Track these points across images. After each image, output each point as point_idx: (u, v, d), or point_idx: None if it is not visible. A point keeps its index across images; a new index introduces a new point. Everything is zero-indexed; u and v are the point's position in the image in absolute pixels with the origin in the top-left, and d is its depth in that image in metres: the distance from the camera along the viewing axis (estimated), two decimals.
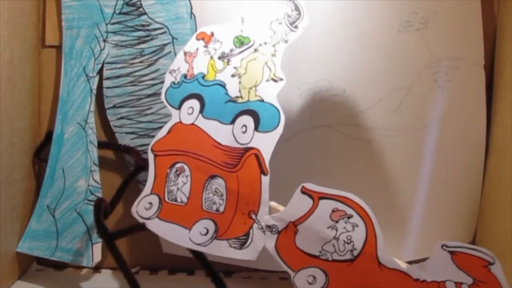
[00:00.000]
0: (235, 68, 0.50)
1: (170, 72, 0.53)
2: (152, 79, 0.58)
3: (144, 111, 0.59)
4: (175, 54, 0.58)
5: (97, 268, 0.61)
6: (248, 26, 0.51)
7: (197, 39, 0.53)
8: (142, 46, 0.58)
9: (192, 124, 0.51)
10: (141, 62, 0.58)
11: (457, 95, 0.58)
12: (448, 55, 0.57)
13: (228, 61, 0.51)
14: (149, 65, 0.58)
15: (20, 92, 0.56)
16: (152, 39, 0.58)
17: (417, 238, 0.58)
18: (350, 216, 0.45)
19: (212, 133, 0.50)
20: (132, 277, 0.51)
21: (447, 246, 0.43)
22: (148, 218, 0.50)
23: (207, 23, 0.58)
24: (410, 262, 0.46)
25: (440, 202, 0.58)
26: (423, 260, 0.45)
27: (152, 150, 0.51)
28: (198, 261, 0.51)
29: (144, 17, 0.58)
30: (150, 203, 0.50)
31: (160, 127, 0.58)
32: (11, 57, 0.54)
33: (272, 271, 0.61)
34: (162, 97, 0.53)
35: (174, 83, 0.52)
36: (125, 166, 0.60)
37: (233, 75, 0.50)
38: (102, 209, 0.54)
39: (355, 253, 0.44)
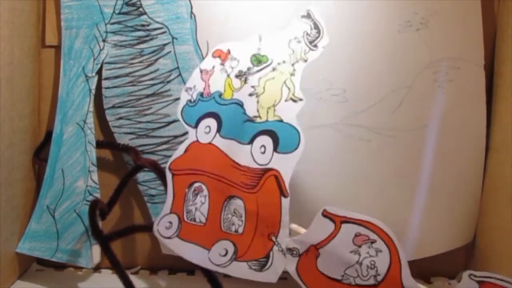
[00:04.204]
0: (253, 87, 0.49)
1: (186, 90, 0.52)
2: (152, 79, 0.58)
3: (143, 111, 0.59)
4: (175, 54, 0.58)
5: (97, 268, 0.61)
6: (265, 44, 0.50)
7: (213, 56, 0.52)
8: (142, 46, 0.58)
9: (210, 143, 0.50)
10: (140, 62, 0.58)
11: (457, 95, 0.58)
12: (448, 55, 0.57)
13: (246, 79, 0.50)
14: (148, 65, 0.58)
15: (20, 92, 0.56)
16: (151, 39, 0.58)
17: (417, 238, 0.58)
18: (373, 241, 0.44)
19: (230, 153, 0.49)
20: (127, 278, 0.51)
21: (475, 276, 0.41)
22: (169, 238, 0.50)
23: (207, 23, 0.58)
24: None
25: (440, 202, 0.58)
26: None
27: (170, 169, 0.51)
28: None
29: (144, 17, 0.58)
30: (170, 223, 0.50)
31: (159, 127, 0.59)
32: (11, 57, 0.54)
33: None
34: (178, 115, 0.52)
35: (190, 101, 0.52)
36: (123, 167, 0.60)
37: (251, 94, 0.49)
38: (97, 210, 0.54)
39: (379, 278, 0.44)
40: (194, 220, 0.49)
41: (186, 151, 0.51)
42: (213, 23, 0.58)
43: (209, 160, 0.49)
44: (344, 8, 0.57)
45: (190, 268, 0.61)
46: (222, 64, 0.51)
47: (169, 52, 0.58)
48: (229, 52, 0.51)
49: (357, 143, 0.58)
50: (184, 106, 0.52)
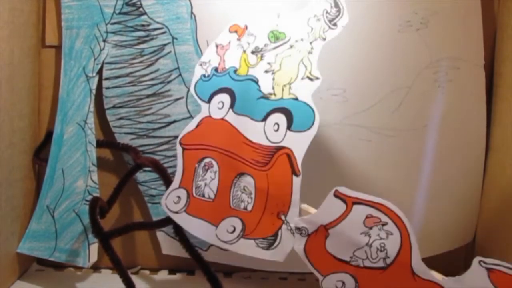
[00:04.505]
0: (269, 63, 0.48)
1: (201, 64, 0.51)
2: (152, 79, 0.58)
3: (143, 112, 0.59)
4: (175, 54, 0.58)
5: (97, 268, 0.61)
6: (284, 21, 0.50)
7: (230, 31, 0.51)
8: (142, 46, 0.58)
9: (222, 119, 0.49)
10: (140, 62, 0.58)
11: (457, 95, 0.58)
12: (448, 55, 0.57)
13: (262, 56, 0.49)
14: (149, 65, 0.58)
15: (20, 92, 0.56)
16: (152, 39, 0.58)
17: (417, 238, 0.58)
18: (384, 224, 0.43)
19: (242, 130, 0.48)
20: (127, 276, 0.51)
21: (485, 263, 0.41)
22: (176, 212, 0.49)
23: (207, 23, 0.58)
24: None
25: (440, 202, 0.58)
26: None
27: (180, 143, 0.50)
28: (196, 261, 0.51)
29: (144, 17, 0.58)
30: (179, 197, 0.49)
31: (160, 128, 0.59)
32: (11, 57, 0.54)
33: (272, 271, 0.61)
34: (192, 89, 0.51)
35: (204, 75, 0.51)
36: (123, 166, 0.60)
37: (266, 71, 0.48)
38: (97, 208, 0.54)
39: (388, 261, 0.43)
40: (203, 196, 0.48)
41: (197, 125, 0.50)
42: (213, 23, 0.58)
43: (221, 136, 0.49)
44: (344, 8, 0.57)
45: (190, 268, 0.61)
46: (239, 39, 0.50)
47: (169, 52, 0.58)
48: (246, 27, 0.50)
49: (357, 143, 0.58)
50: (197, 81, 0.51)
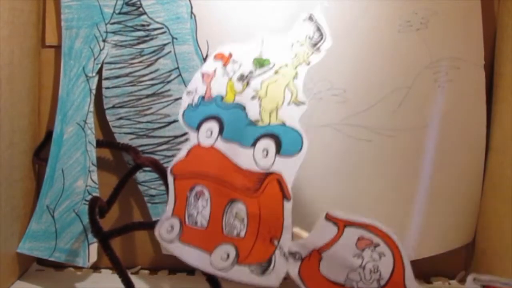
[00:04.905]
0: (255, 90, 0.49)
1: (187, 94, 0.52)
2: (152, 79, 0.58)
3: (143, 112, 0.59)
4: (175, 54, 0.58)
5: (97, 268, 0.61)
6: (268, 47, 0.50)
7: (215, 59, 0.52)
8: (142, 46, 0.58)
9: (211, 146, 0.49)
10: (140, 62, 0.58)
11: (457, 95, 0.58)
12: (448, 55, 0.57)
13: (248, 83, 0.49)
14: (148, 65, 0.58)
15: (20, 92, 0.56)
16: (151, 39, 0.58)
17: (417, 238, 0.58)
18: (376, 245, 0.43)
19: (232, 157, 0.48)
20: (126, 276, 0.51)
21: (479, 280, 0.41)
22: (170, 241, 0.49)
23: (207, 23, 0.58)
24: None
25: (440, 202, 0.58)
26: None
27: (171, 173, 0.50)
28: None
29: (144, 17, 0.58)
30: (172, 226, 0.49)
31: (160, 128, 0.59)
32: (11, 57, 0.54)
33: None
34: (180, 118, 0.51)
35: (191, 104, 0.51)
36: (123, 166, 0.60)
37: (253, 98, 0.48)
38: (96, 207, 0.54)
39: (382, 282, 0.43)
40: (196, 224, 0.49)
41: (187, 154, 0.50)
42: (213, 23, 0.58)
43: (211, 163, 0.49)
44: (344, 8, 0.57)
45: (190, 268, 0.61)
46: (224, 67, 0.51)
47: (169, 52, 0.58)
48: (230, 55, 0.51)
49: (357, 143, 0.58)
50: (185, 110, 0.51)
